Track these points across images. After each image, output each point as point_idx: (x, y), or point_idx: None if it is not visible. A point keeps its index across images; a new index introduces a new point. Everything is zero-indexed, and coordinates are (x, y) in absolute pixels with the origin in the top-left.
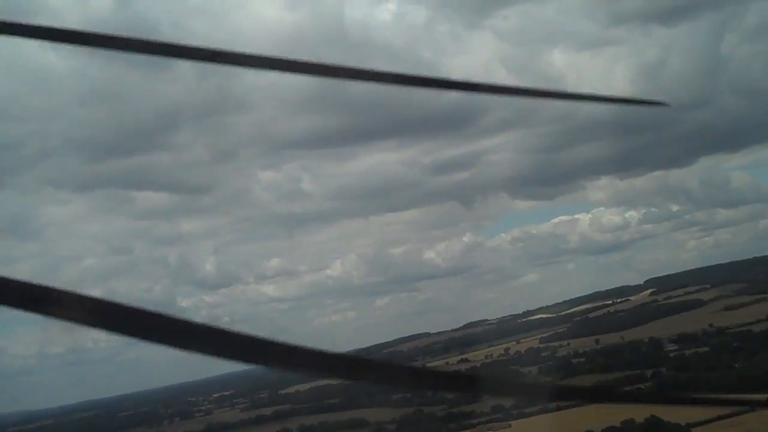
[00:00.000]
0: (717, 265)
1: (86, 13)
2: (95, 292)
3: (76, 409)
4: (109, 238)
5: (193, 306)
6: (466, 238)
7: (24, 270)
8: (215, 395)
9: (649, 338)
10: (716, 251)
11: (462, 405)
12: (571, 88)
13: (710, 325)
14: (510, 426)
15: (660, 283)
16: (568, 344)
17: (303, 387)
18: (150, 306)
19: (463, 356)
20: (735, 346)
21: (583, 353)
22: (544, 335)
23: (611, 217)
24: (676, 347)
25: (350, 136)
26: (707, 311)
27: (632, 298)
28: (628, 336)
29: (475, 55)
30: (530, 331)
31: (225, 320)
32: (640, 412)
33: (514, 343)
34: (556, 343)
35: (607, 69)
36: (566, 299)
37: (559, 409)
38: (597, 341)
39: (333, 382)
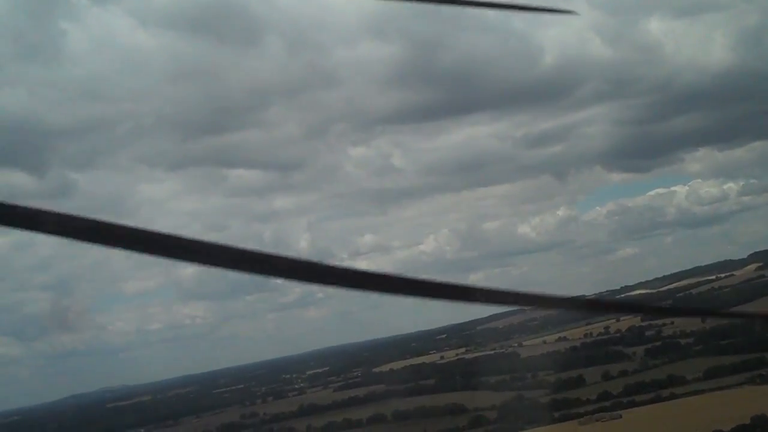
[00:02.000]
0: None
1: None
2: (191, 269)
3: (173, 384)
4: (203, 216)
5: (287, 282)
6: (561, 212)
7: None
8: (309, 372)
9: (763, 317)
10: None
11: (566, 390)
12: (668, 57)
13: None
14: (621, 417)
15: (765, 257)
16: (672, 322)
17: (397, 365)
18: (246, 283)
19: (562, 334)
20: None
21: (691, 333)
22: None
23: (709, 189)
24: None
25: (441, 110)
26: None
27: (737, 273)
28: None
29: (568, 25)
30: None
31: (319, 296)
32: None
33: (614, 320)
34: (659, 321)
35: (706, 36)
36: (665, 274)
37: (673, 397)
38: (703, 320)
39: (428, 361)
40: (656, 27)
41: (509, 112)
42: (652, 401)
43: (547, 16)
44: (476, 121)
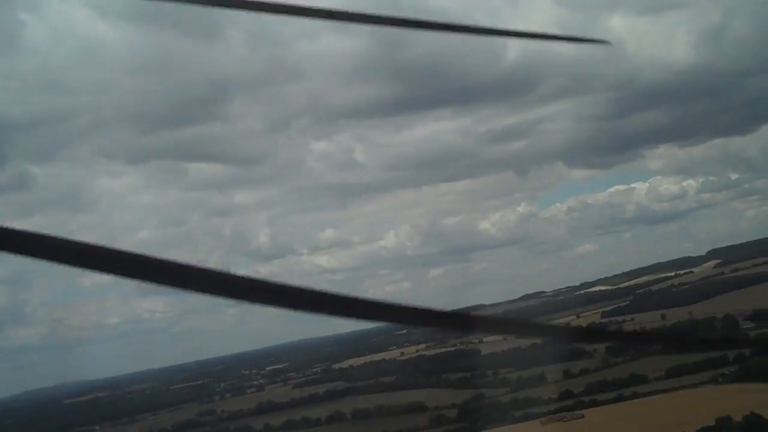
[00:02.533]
0: None
1: None
2: None
3: (131, 379)
4: (163, 210)
5: None
6: (521, 208)
7: None
8: (269, 368)
9: (724, 315)
10: None
11: (526, 388)
12: (631, 55)
13: None
14: (583, 416)
15: (724, 254)
16: (633, 319)
17: (357, 362)
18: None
19: None
20: None
21: (651, 330)
22: (605, 309)
23: (669, 186)
24: (753, 325)
25: (404, 105)
26: None
27: (695, 270)
28: (696, 311)
29: (532, 22)
30: (590, 304)
31: None
32: (738, 409)
33: (574, 317)
34: (620, 318)
35: (668, 34)
36: (625, 271)
37: (635, 396)
38: (663, 316)
39: (388, 358)
40: (619, 24)
41: (472, 107)
42: (614, 400)
43: (510, 13)
44: (439, 116)
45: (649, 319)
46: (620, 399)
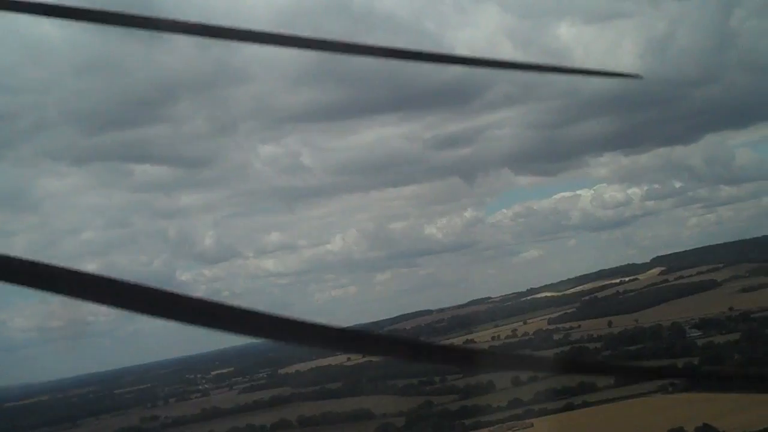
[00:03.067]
0: (725, 243)
1: None
2: (94, 265)
3: (74, 383)
4: (107, 212)
5: (192, 280)
6: (468, 214)
7: (21, 243)
8: (214, 373)
9: (671, 323)
10: (718, 228)
11: (475, 396)
12: (578, 63)
13: (730, 309)
14: (532, 425)
15: (668, 262)
16: (579, 326)
17: (303, 367)
18: (150, 280)
19: (469, 336)
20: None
21: (599, 338)
22: (552, 316)
23: (613, 193)
24: (700, 333)
25: (351, 109)
26: (723, 292)
27: (640, 277)
28: (642, 318)
29: (480, 28)
30: (537, 310)
31: (225, 294)
32: (690, 419)
33: (521, 323)
34: (567, 325)
35: (614, 43)
36: (570, 277)
37: (586, 405)
38: (610, 323)
39: (335, 363)
40: (566, 32)
41: (419, 113)
42: (564, 409)
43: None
44: (386, 121)
45: (595, 326)
46: (570, 408)
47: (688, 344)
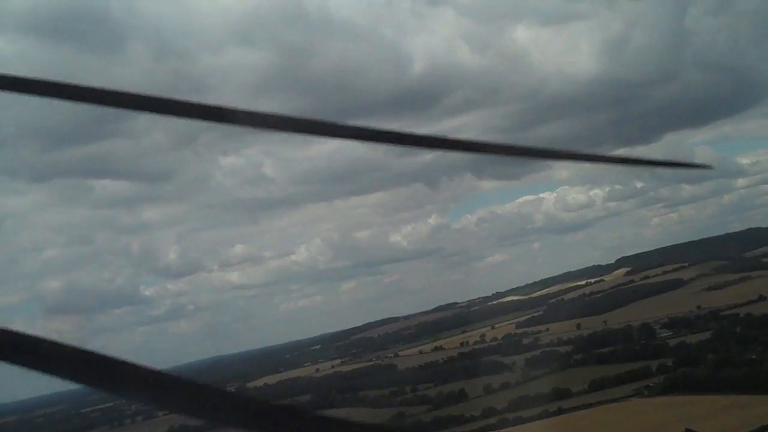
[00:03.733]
0: (689, 242)
1: None
2: (57, 283)
3: (41, 403)
4: (69, 228)
5: (157, 295)
6: (432, 220)
7: None
8: None
9: (641, 323)
10: (681, 227)
11: (448, 406)
12: (535, 65)
13: (698, 307)
14: None
15: (632, 262)
16: (547, 329)
17: (271, 380)
18: (114, 296)
19: (437, 343)
20: (738, 332)
21: (569, 340)
22: (520, 320)
23: (576, 195)
24: (670, 332)
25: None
26: (689, 291)
27: (606, 278)
28: (611, 320)
29: (437, 33)
30: (504, 314)
31: (190, 308)
32: (670, 423)
33: (489, 328)
34: (534, 328)
35: (571, 45)
36: (536, 280)
37: (561, 411)
38: (578, 326)
39: (303, 375)
40: (523, 35)
41: (380, 120)
42: (539, 416)
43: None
44: None
45: (564, 329)
46: (546, 415)
47: (660, 345)
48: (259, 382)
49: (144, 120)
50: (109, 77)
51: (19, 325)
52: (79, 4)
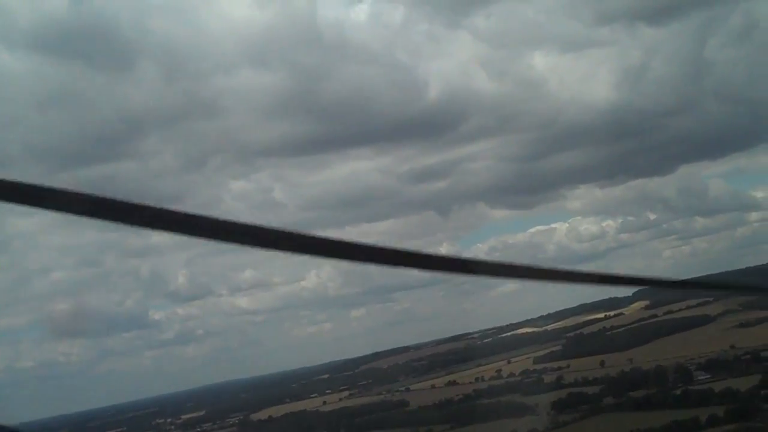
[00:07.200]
0: (707, 275)
1: (38, 12)
2: (65, 305)
3: (45, 425)
4: (77, 250)
5: (166, 318)
6: (443, 249)
7: None
8: (184, 417)
9: (676, 364)
10: (693, 260)
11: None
12: (553, 93)
13: (732, 347)
14: None
15: (650, 295)
16: (569, 366)
17: (277, 412)
18: (123, 320)
19: (451, 377)
20: None
21: (595, 380)
22: (537, 354)
23: (588, 226)
24: (708, 375)
25: (323, 143)
26: (719, 328)
27: (625, 311)
28: (637, 357)
29: (453, 57)
30: (520, 348)
31: (199, 333)
32: None
33: (505, 362)
34: (554, 364)
35: (589, 72)
36: (550, 312)
37: None
38: (602, 363)
39: (310, 408)
40: (541, 62)
41: (393, 146)
42: None
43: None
44: (360, 155)
45: (586, 366)
46: None
47: (702, 391)
48: (264, 414)
49: (153, 141)
50: (119, 97)
51: (27, 347)
52: (89, 23)
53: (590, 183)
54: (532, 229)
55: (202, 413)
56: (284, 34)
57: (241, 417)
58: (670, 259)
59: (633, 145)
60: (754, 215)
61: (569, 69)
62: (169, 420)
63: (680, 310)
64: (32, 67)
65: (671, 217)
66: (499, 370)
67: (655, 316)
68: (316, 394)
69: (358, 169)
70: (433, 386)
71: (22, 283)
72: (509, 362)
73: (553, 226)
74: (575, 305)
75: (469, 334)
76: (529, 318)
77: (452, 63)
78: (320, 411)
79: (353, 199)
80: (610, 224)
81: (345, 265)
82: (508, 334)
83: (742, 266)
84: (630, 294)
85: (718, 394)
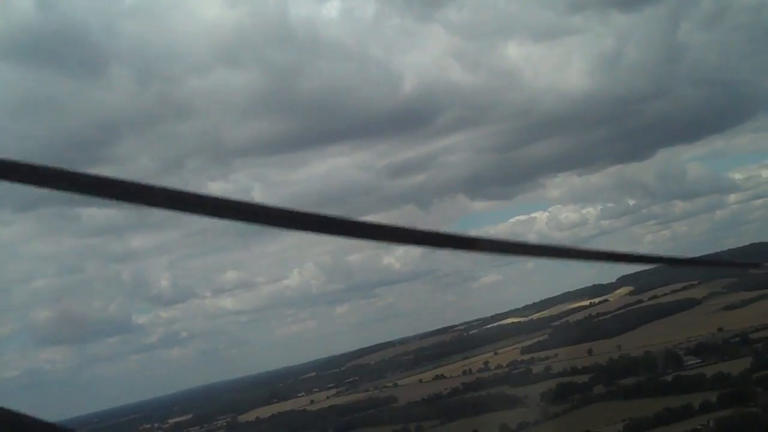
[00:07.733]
0: (689, 258)
1: (5, 19)
2: (48, 313)
3: None
4: (58, 258)
5: (149, 323)
6: None
7: None
8: (171, 421)
9: (663, 349)
10: (673, 244)
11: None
12: (527, 82)
13: (719, 329)
14: None
15: (634, 280)
16: (556, 355)
17: (264, 413)
18: (106, 325)
19: (438, 371)
20: None
21: (584, 369)
22: (524, 344)
23: (568, 214)
24: (698, 360)
25: (301, 140)
26: (704, 311)
27: (610, 298)
28: (625, 344)
29: (427, 51)
30: (506, 338)
31: (183, 335)
32: None
33: (492, 353)
34: (542, 354)
35: (564, 61)
36: (534, 301)
37: None
38: (590, 351)
39: (297, 408)
40: (514, 51)
41: (371, 141)
42: None
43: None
44: (338, 151)
45: (574, 354)
46: None
47: (693, 376)
48: (251, 416)
49: (129, 146)
50: (92, 102)
51: (11, 357)
52: (58, 28)
53: (568, 171)
54: (513, 219)
55: (189, 417)
56: (256, 32)
57: (229, 419)
58: (651, 243)
59: (610, 131)
60: (732, 197)
61: (543, 58)
62: (156, 425)
63: (665, 294)
64: (2, 75)
65: (651, 202)
66: (486, 362)
67: (641, 301)
68: (303, 393)
69: (336, 165)
70: (420, 381)
71: (4, 293)
72: (496, 353)
73: (533, 215)
74: (559, 293)
75: (454, 326)
76: (513, 308)
77: (426, 56)
78: (308, 410)
79: (333, 196)
80: (590, 211)
81: (327, 262)
82: (494, 325)
83: (725, 248)
84: (614, 280)
85: (710, 379)
